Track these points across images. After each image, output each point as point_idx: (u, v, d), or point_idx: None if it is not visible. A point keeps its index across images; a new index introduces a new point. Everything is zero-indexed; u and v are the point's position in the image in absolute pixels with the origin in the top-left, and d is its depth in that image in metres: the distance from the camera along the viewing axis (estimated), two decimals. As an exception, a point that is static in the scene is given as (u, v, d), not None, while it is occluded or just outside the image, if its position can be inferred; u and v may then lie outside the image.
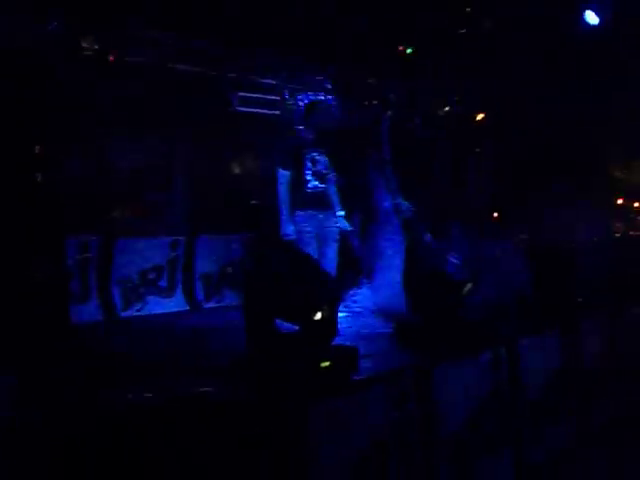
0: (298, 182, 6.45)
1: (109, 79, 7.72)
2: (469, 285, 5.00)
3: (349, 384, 3.74)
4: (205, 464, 3.45)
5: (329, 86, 9.51)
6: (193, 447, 3.48)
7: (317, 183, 6.50)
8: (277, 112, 9.68)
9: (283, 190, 6.43)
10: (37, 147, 5.07)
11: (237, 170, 10.09)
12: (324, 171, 6.52)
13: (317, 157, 6.52)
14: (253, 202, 9.46)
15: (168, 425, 3.58)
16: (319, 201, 6.51)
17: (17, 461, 3.71)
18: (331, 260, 6.44)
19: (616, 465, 5.34)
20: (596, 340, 6.35)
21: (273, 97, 9.63)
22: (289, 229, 6.38)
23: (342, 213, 6.65)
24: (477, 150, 8.79)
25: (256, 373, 3.74)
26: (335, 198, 6.66)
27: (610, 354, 6.51)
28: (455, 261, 5.12)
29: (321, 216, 6.51)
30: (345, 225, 6.68)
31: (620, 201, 13.39)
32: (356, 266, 8.24)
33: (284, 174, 6.46)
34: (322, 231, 6.49)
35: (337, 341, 4.01)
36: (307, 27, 8.19)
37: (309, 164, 6.47)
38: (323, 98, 7.90)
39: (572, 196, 8.68)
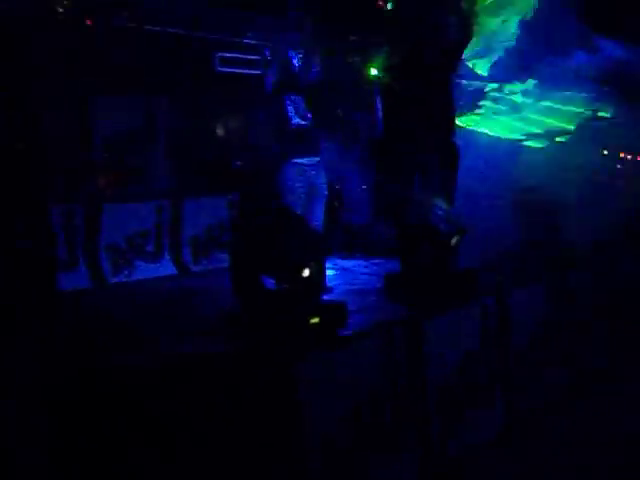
0: (281, 122, 6.52)
1: (87, 43, 7.60)
2: (457, 237, 5.00)
3: (338, 338, 3.75)
4: (197, 419, 3.47)
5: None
6: (185, 403, 3.50)
7: (299, 120, 6.54)
8: (258, 71, 9.56)
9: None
10: (17, 115, 4.97)
11: (220, 131, 9.99)
12: (303, 110, 6.58)
13: (294, 97, 6.59)
14: (237, 162, 9.40)
15: (162, 384, 3.59)
16: (304, 141, 6.55)
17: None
18: (318, 217, 6.43)
19: (602, 416, 5.38)
20: (582, 292, 6.38)
21: (254, 56, 9.51)
22: None
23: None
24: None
25: (245, 330, 3.74)
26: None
27: (595, 306, 6.54)
28: (442, 213, 5.11)
29: (313, 172, 6.52)
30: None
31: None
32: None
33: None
34: (311, 187, 6.50)
35: (326, 297, 4.01)
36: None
37: (289, 101, 6.54)
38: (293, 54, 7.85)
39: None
